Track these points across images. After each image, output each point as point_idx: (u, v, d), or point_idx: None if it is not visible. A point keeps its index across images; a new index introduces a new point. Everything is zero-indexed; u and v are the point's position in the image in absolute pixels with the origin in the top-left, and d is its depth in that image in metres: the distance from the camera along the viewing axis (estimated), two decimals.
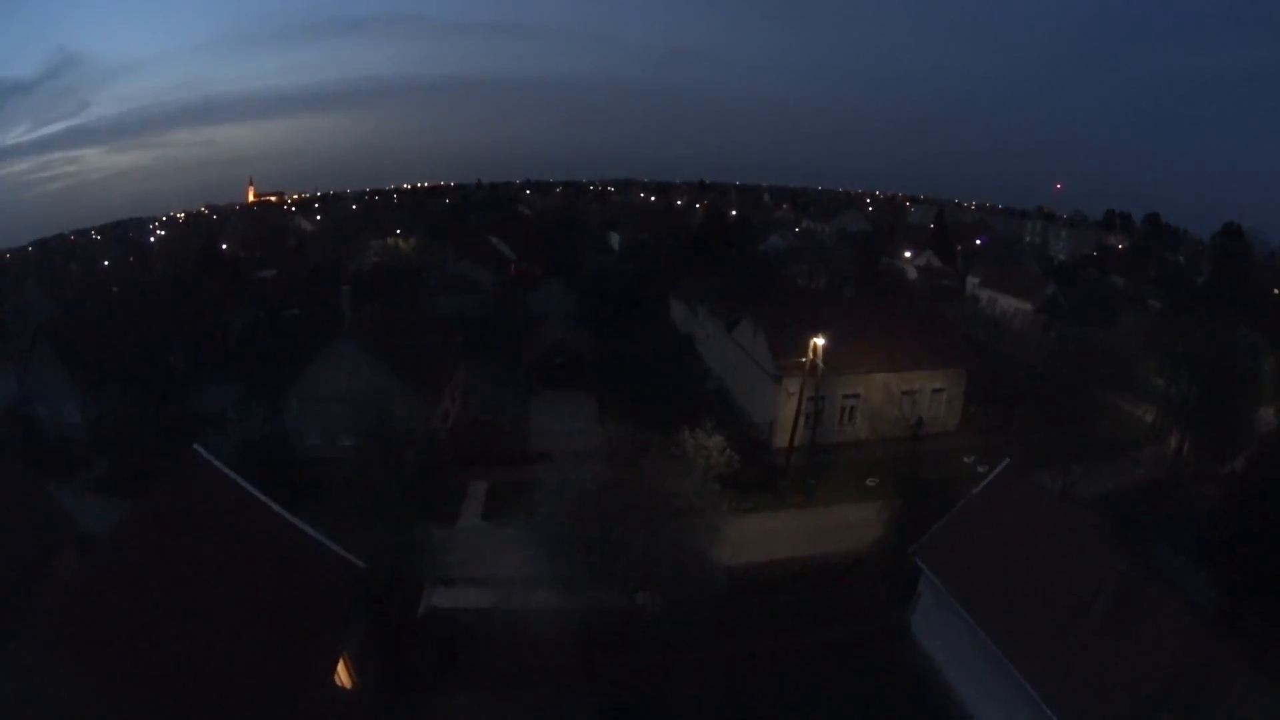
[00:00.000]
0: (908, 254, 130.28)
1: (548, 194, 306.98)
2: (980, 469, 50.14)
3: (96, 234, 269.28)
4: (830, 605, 38.79)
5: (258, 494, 28.13)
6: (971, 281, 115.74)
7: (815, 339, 50.45)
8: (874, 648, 35.81)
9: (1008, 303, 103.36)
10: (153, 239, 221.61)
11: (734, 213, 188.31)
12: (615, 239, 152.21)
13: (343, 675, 26.77)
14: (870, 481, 51.81)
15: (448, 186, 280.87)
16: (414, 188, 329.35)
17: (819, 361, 50.66)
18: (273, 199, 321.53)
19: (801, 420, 53.31)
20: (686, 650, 35.25)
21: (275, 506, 28.24)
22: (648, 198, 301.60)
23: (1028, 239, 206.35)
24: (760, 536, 44.35)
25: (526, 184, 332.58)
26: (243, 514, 26.95)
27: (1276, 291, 77.72)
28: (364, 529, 31.94)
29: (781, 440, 54.59)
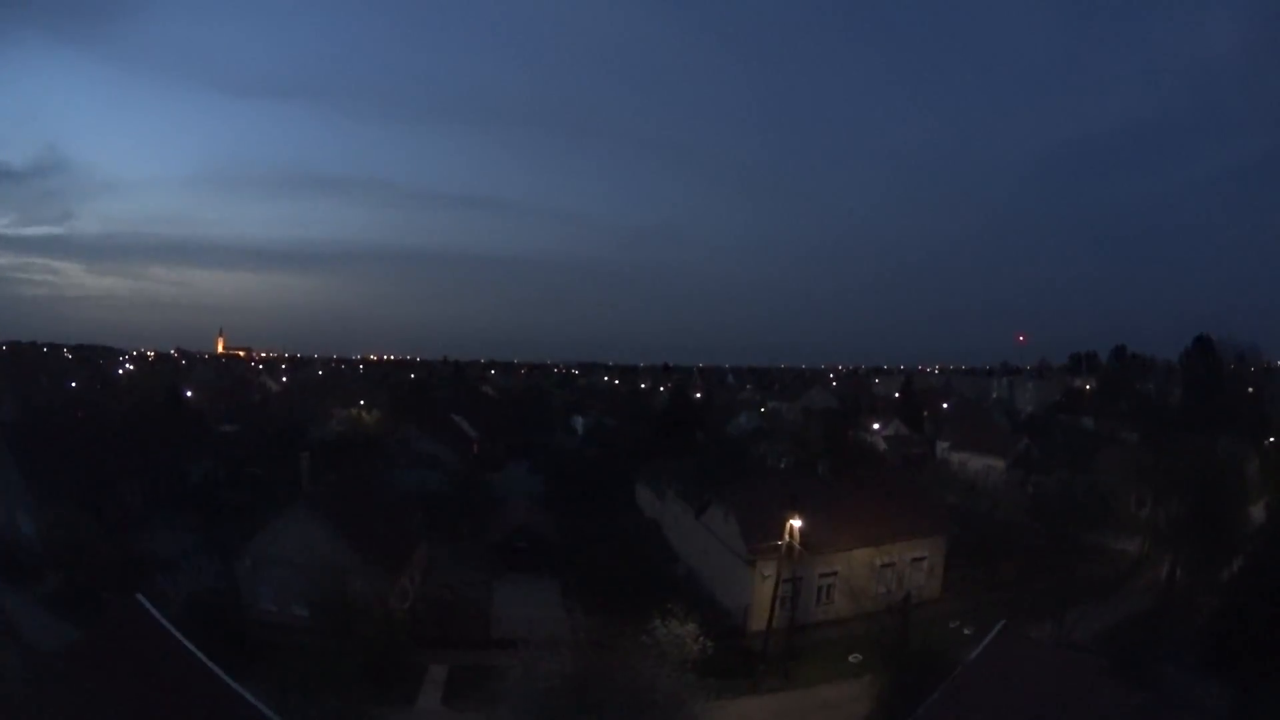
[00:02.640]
0: (875, 425, 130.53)
1: (511, 374, 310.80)
2: (966, 631, 48.58)
3: (69, 352, 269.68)
4: None
5: (199, 655, 26.04)
6: (941, 446, 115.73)
7: (791, 520, 49.12)
8: None
9: (980, 462, 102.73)
10: (121, 371, 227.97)
11: (698, 395, 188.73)
12: (579, 422, 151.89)
13: None
14: (853, 658, 49.04)
15: (413, 361, 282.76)
16: (380, 359, 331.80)
17: (795, 544, 49.20)
18: (241, 354, 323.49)
19: (778, 604, 51.40)
20: None
21: (216, 669, 25.99)
22: (612, 381, 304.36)
23: (995, 395, 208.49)
24: None
25: (490, 364, 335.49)
26: (181, 673, 24.83)
27: (1251, 391, 77.86)
28: (313, 703, 29.72)
29: (757, 624, 52.20)
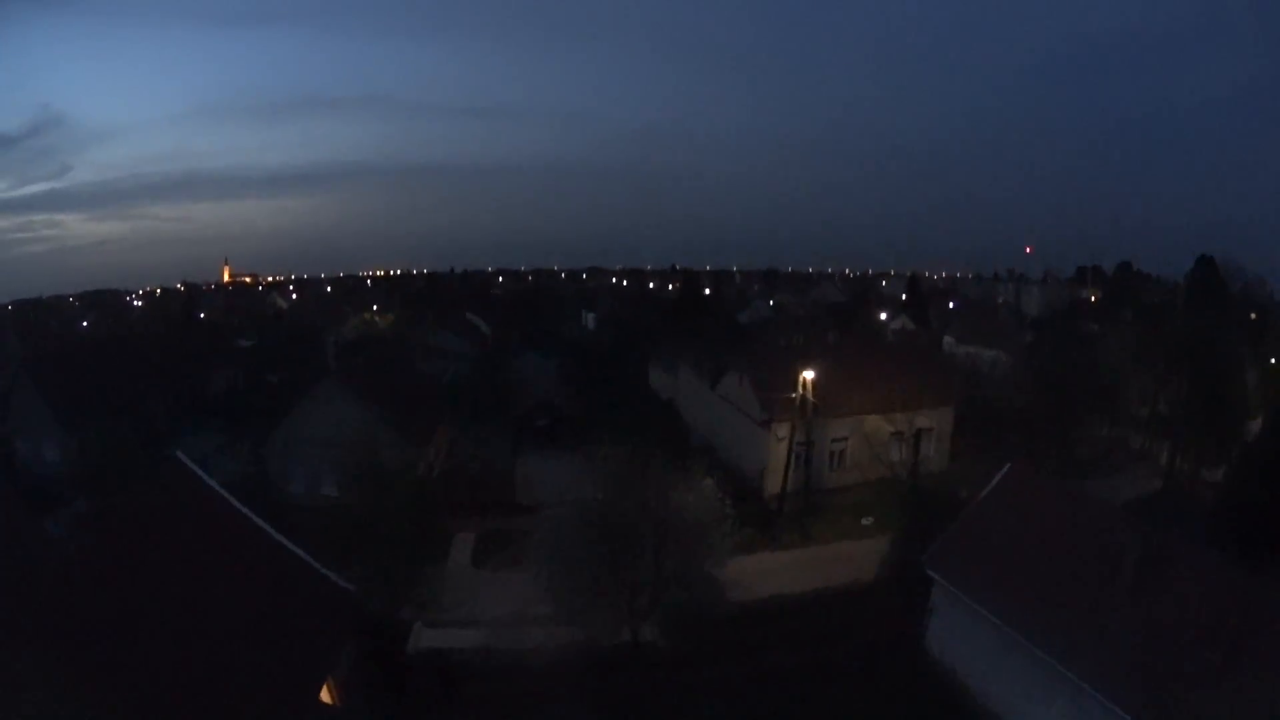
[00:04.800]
0: (883, 316, 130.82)
1: (519, 280, 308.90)
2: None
3: (75, 300, 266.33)
4: (838, 629, 37.46)
5: (241, 507, 26.98)
6: (948, 340, 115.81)
7: (804, 373, 50.10)
8: (888, 663, 34.62)
9: (987, 354, 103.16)
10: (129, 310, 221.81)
11: (707, 290, 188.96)
12: (590, 317, 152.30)
13: (328, 698, 25.30)
14: (866, 520, 50.95)
15: (420, 273, 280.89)
16: (386, 274, 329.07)
17: (809, 396, 50.27)
18: (247, 279, 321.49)
19: (792, 464, 52.80)
20: (695, 670, 33.97)
21: (260, 522, 27.05)
22: (620, 282, 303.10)
23: (1001, 300, 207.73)
24: (759, 574, 42.78)
25: (498, 272, 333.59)
26: (226, 525, 25.72)
27: (1253, 316, 77.21)
28: (349, 567, 30.82)
29: (773, 487, 53.73)
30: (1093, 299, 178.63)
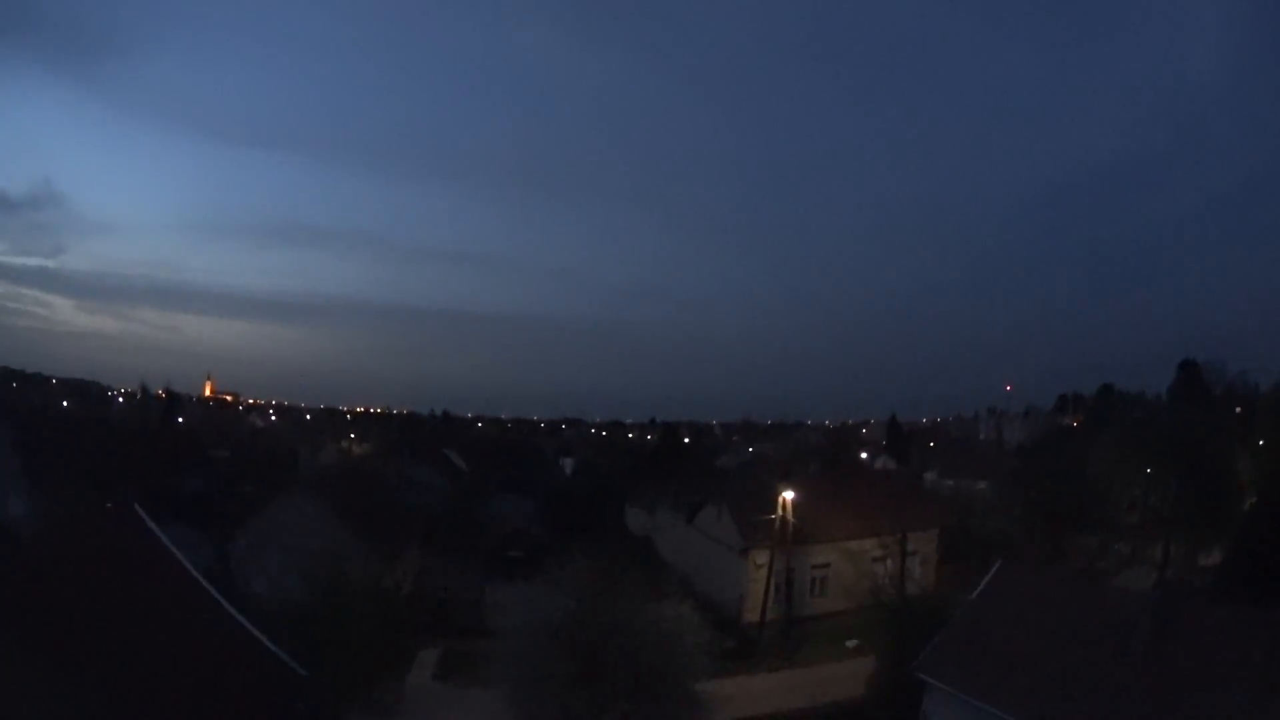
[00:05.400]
0: (864, 456, 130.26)
1: (500, 427, 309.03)
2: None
3: (56, 382, 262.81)
4: None
5: (191, 569, 25.61)
6: (930, 476, 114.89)
7: (784, 493, 49.34)
8: None
9: (970, 486, 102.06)
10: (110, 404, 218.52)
11: (686, 440, 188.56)
12: (568, 463, 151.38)
13: None
14: (850, 643, 48.88)
15: (401, 413, 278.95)
16: (367, 411, 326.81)
17: (789, 517, 49.38)
18: (228, 398, 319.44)
19: (772, 591, 51.45)
20: None
21: (210, 588, 25.62)
22: (599, 433, 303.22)
23: (982, 436, 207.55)
24: (738, 696, 40.82)
25: (477, 418, 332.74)
26: (173, 581, 24.30)
27: (1239, 410, 76.41)
28: (304, 662, 29.19)
29: (752, 615, 52.29)
30: (1075, 424, 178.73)
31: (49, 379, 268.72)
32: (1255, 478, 60.53)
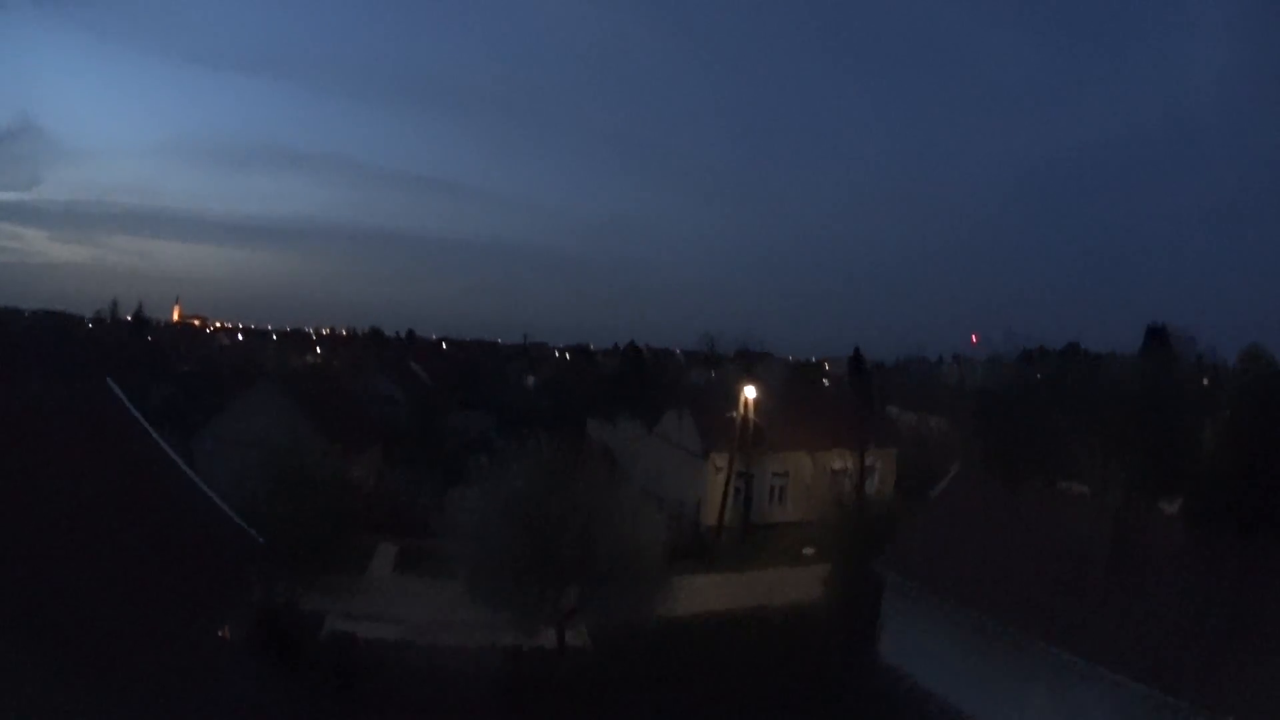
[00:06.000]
0: (825, 382, 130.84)
1: (465, 349, 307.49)
2: None
3: (28, 315, 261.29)
4: (780, 643, 35.81)
5: (165, 445, 25.33)
6: (892, 410, 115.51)
7: (745, 390, 49.43)
8: (839, 674, 32.76)
9: (930, 421, 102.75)
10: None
11: (649, 362, 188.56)
12: (531, 380, 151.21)
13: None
14: (807, 550, 49.18)
15: (368, 334, 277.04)
16: (332, 333, 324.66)
17: (751, 414, 49.51)
18: (196, 322, 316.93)
19: (731, 496, 51.76)
20: (623, 693, 31.26)
21: (176, 458, 25.40)
22: (563, 356, 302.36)
23: (944, 381, 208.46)
24: (694, 593, 41.09)
25: (444, 339, 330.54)
26: (142, 447, 24.02)
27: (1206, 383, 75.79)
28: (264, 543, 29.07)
29: (710, 519, 52.55)
30: (1039, 376, 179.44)
31: (21, 313, 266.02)
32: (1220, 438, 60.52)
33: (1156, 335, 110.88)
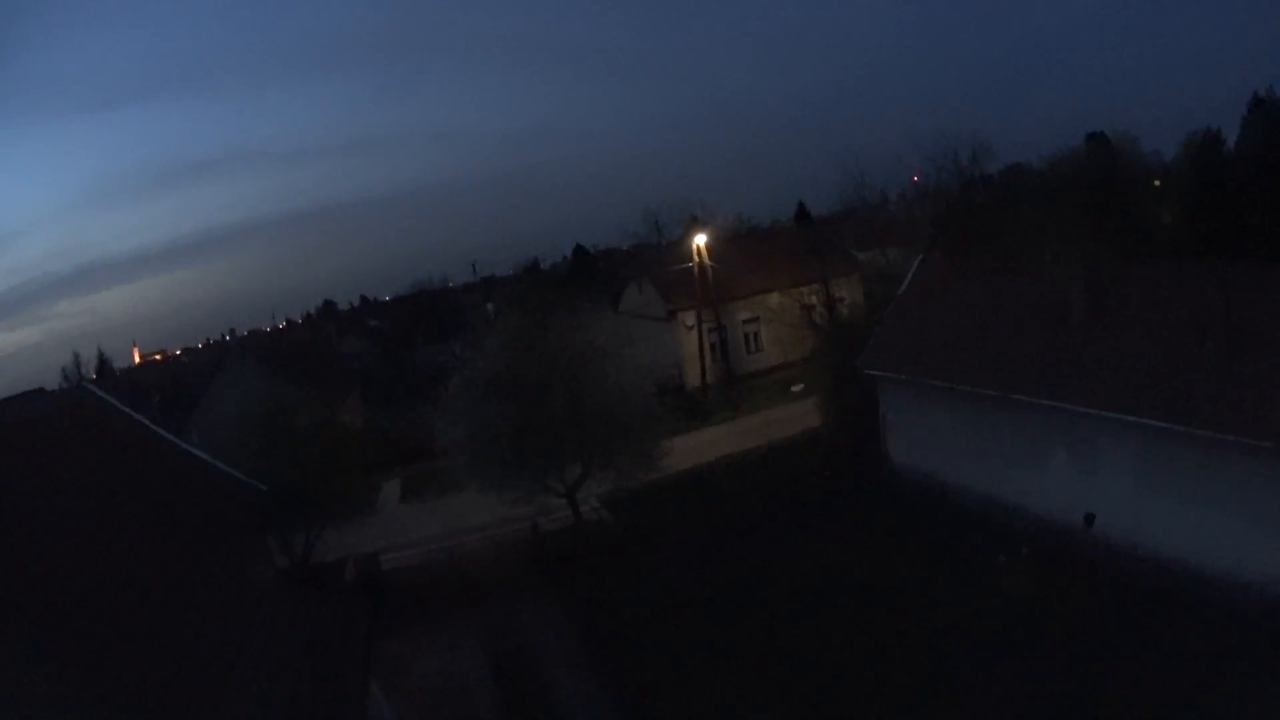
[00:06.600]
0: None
1: (417, 299, 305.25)
2: None
3: None
4: (793, 470, 36.11)
5: (150, 423, 25.13)
6: (850, 250, 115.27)
7: (697, 239, 49.41)
8: (854, 483, 33.35)
9: (887, 253, 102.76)
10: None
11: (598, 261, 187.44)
12: (490, 308, 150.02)
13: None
14: (796, 388, 49.21)
15: (321, 309, 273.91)
16: (289, 322, 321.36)
17: (706, 262, 49.61)
18: (157, 356, 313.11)
19: (707, 352, 52.09)
20: (649, 552, 31.63)
21: (166, 434, 25.27)
22: (516, 277, 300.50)
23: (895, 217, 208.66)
24: (697, 446, 42.21)
25: (395, 298, 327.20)
26: (131, 432, 23.66)
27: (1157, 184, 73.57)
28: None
29: (692, 380, 53.12)
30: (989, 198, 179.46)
31: None
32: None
33: (1096, 139, 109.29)
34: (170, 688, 14.37)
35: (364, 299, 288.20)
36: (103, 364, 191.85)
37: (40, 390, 22.27)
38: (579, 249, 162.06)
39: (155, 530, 19.70)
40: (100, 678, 13.22)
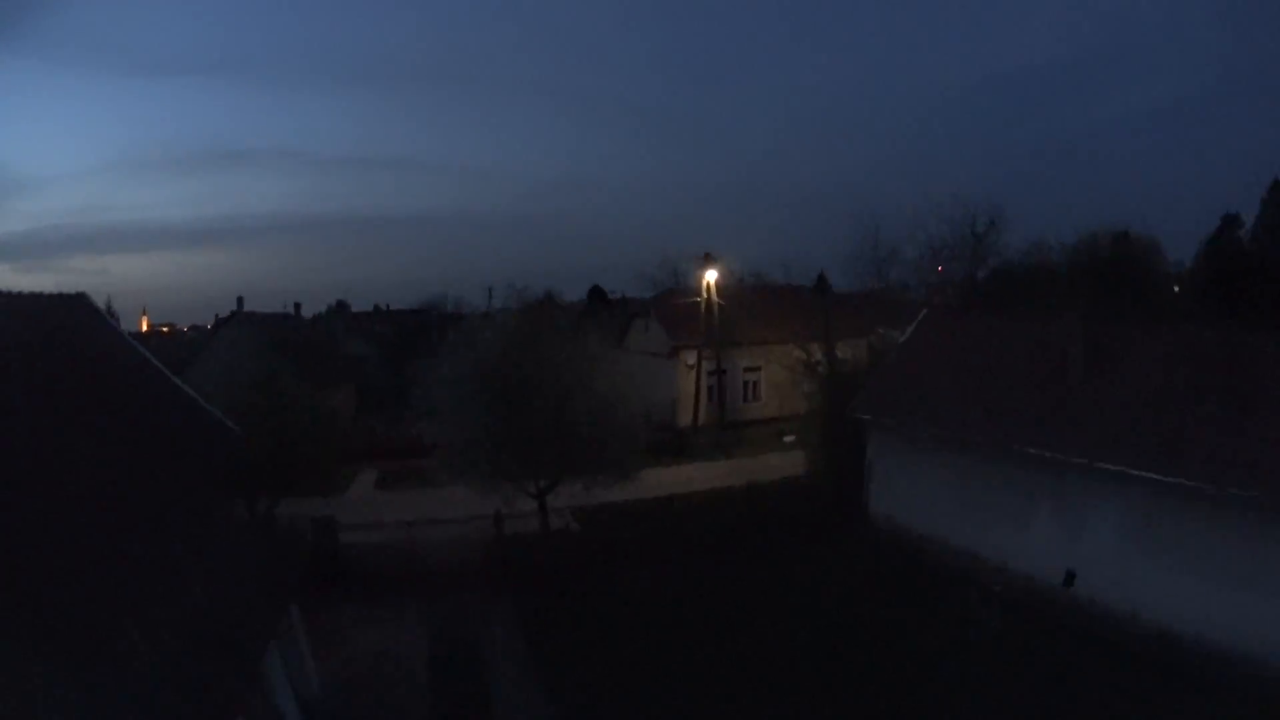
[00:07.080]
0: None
1: (429, 314, 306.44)
2: None
3: None
4: (772, 512, 35.23)
5: (135, 344, 25.00)
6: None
7: (707, 275, 49.25)
8: (832, 531, 32.91)
9: (892, 334, 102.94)
10: None
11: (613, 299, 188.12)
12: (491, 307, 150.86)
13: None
14: (787, 438, 49.06)
15: (334, 306, 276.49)
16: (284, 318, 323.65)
17: (715, 299, 49.38)
18: (165, 330, 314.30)
19: (704, 394, 51.73)
20: (611, 563, 31.03)
21: (152, 358, 25.01)
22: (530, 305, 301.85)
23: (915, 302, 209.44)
24: (678, 479, 41.89)
25: (409, 310, 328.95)
26: (119, 352, 23.54)
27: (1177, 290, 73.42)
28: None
29: (685, 419, 52.67)
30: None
31: None
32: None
33: (1120, 238, 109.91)
34: (91, 592, 14.01)
35: (377, 307, 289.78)
36: (110, 318, 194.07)
37: (37, 294, 21.75)
38: (595, 289, 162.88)
39: (119, 441, 19.40)
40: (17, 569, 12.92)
